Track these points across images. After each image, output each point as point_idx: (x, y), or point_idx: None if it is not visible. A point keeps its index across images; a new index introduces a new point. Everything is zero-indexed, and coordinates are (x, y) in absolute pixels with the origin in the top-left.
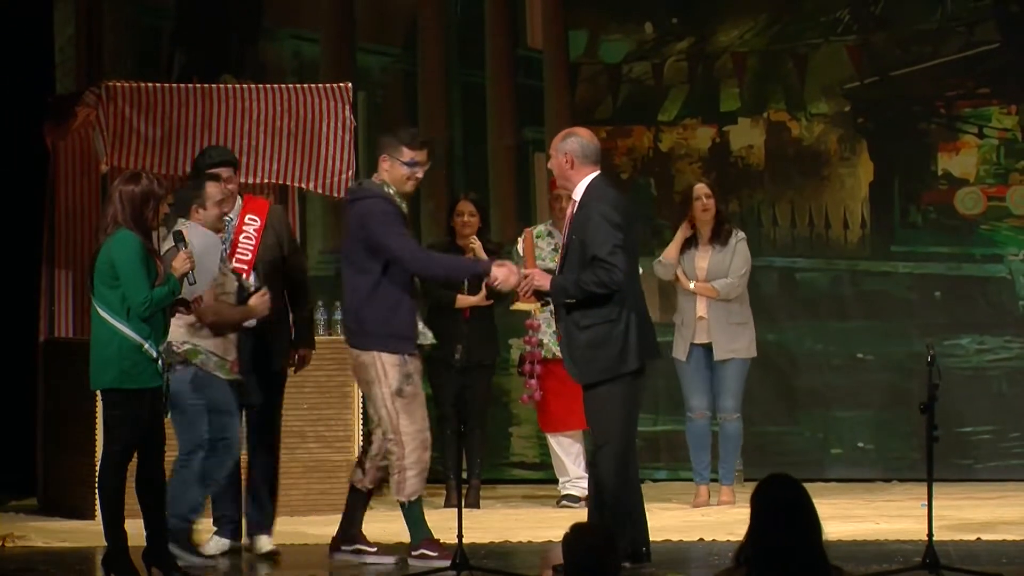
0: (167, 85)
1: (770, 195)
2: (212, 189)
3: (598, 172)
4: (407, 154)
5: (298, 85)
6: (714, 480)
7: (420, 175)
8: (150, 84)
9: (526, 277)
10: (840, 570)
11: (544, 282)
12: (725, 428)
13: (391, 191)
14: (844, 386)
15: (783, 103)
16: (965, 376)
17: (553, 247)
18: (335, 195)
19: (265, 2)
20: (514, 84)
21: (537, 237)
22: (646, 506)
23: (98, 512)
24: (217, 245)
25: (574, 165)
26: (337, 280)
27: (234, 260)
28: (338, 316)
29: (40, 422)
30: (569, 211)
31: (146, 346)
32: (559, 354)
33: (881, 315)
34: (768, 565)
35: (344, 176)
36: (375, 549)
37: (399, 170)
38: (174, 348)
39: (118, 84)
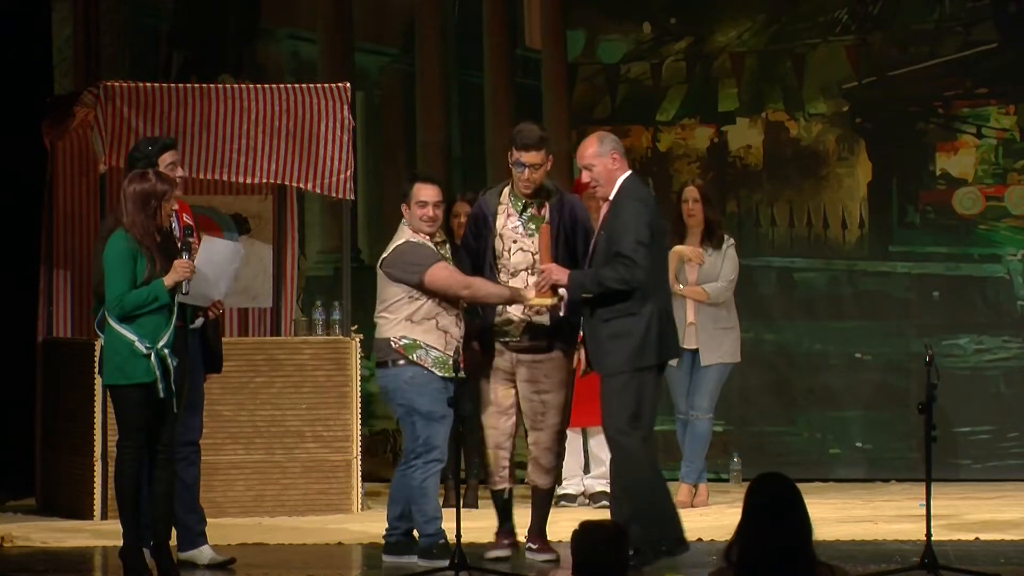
0: (165, 85)
1: (768, 195)
2: (424, 192)
3: (630, 171)
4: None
5: (296, 85)
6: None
7: (525, 175)
8: (148, 84)
9: (543, 272)
10: (833, 569)
11: (562, 276)
12: (696, 427)
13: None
14: (842, 386)
15: (781, 103)
16: (963, 376)
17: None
18: (333, 195)
19: (263, 2)
20: (512, 84)
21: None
22: None
23: (97, 512)
24: (238, 253)
25: (621, 165)
26: (336, 280)
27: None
28: (337, 316)
29: (38, 422)
30: (603, 211)
31: (136, 343)
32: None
33: (879, 315)
34: (757, 563)
35: (342, 176)
36: (535, 545)
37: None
38: (392, 343)
39: (116, 84)
